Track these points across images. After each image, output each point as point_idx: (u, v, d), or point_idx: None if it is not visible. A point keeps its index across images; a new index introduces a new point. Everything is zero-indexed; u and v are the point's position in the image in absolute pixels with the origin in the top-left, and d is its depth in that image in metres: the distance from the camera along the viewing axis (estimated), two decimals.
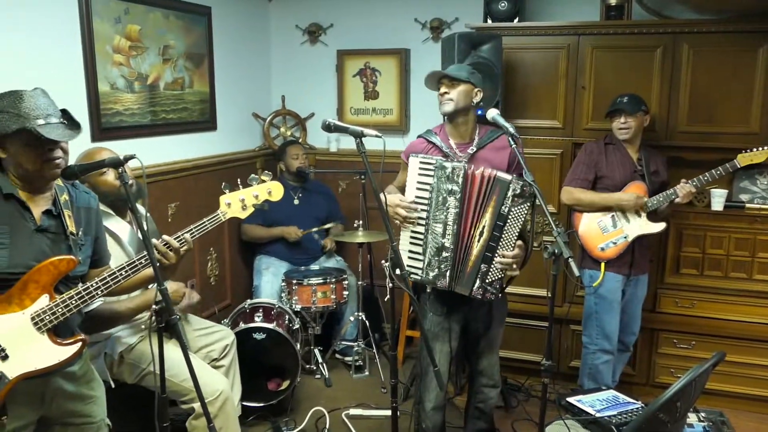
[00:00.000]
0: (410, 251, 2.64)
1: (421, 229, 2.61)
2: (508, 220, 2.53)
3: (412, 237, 2.64)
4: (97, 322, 2.53)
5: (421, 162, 2.60)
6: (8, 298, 1.84)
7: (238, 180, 2.27)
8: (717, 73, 3.37)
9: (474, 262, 2.58)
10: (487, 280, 2.58)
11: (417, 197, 2.61)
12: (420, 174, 2.60)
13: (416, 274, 2.64)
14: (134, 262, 2.01)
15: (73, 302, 1.91)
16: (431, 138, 2.71)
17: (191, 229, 2.17)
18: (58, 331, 1.92)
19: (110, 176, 2.57)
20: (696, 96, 3.42)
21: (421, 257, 2.62)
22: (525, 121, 3.66)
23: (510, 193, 2.49)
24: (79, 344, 1.95)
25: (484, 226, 2.55)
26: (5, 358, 1.84)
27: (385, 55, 4.49)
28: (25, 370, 1.86)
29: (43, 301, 1.88)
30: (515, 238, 2.55)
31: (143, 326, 2.72)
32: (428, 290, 2.70)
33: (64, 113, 1.93)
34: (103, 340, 2.66)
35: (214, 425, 1.99)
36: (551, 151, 3.68)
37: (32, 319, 1.86)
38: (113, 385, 2.65)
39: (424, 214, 2.60)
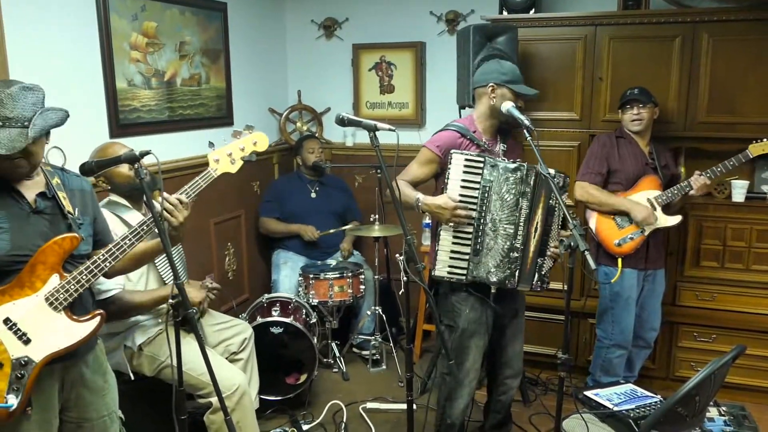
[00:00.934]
0: (454, 251, 2.59)
1: (470, 228, 2.58)
2: (555, 213, 2.61)
3: (457, 237, 2.59)
4: (115, 310, 2.58)
5: (467, 159, 2.55)
6: (19, 282, 1.86)
7: (223, 138, 2.30)
8: (737, 62, 3.32)
9: (532, 257, 2.63)
10: (542, 272, 2.66)
11: (462, 195, 2.56)
12: (466, 171, 2.55)
13: (460, 275, 2.61)
14: (136, 229, 2.01)
15: (84, 277, 1.92)
16: (465, 132, 2.67)
17: (185, 189, 2.16)
18: (74, 310, 1.94)
19: (124, 168, 2.61)
20: (716, 86, 3.37)
21: (466, 257, 2.59)
22: (541, 114, 3.63)
23: (554, 187, 2.51)
24: (98, 319, 1.97)
25: (537, 222, 2.60)
26: (28, 341, 1.85)
27: (401, 48, 4.47)
28: (50, 351, 1.87)
29: (54, 281, 1.89)
30: (559, 228, 2.64)
31: (161, 319, 2.76)
32: (465, 288, 2.66)
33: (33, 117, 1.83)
34: (123, 331, 2.70)
35: (231, 419, 2.01)
36: (568, 144, 3.64)
37: (47, 299, 1.88)
38: (133, 378, 2.69)
39: (473, 214, 2.57)
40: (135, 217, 2.68)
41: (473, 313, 2.68)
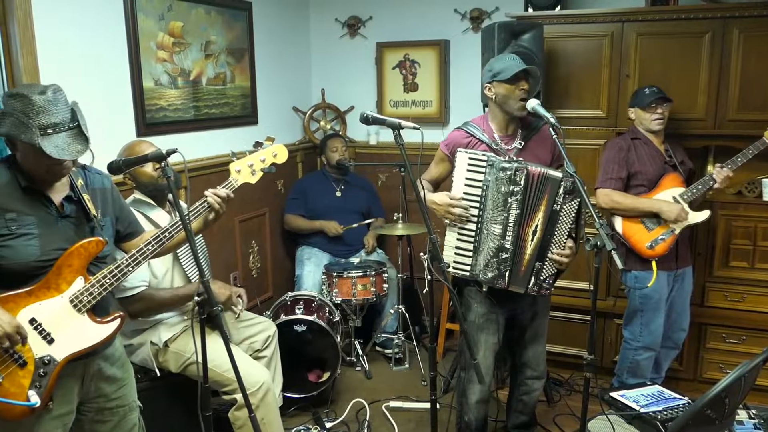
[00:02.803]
0: (458, 248, 2.61)
1: (472, 226, 2.59)
2: (560, 218, 2.54)
3: (460, 234, 2.61)
4: (142, 307, 2.62)
5: (470, 158, 2.55)
6: (46, 283, 1.90)
7: (245, 141, 2.36)
8: None
9: (528, 261, 2.58)
10: (541, 277, 2.60)
11: (465, 193, 2.57)
12: (469, 170, 2.56)
13: (464, 271, 2.62)
14: (159, 236, 2.05)
15: (107, 281, 1.96)
16: (475, 132, 2.67)
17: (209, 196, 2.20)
18: (96, 311, 1.99)
19: (148, 167, 2.66)
20: (746, 83, 3.30)
21: (469, 254, 2.60)
22: (567, 111, 3.60)
23: (561, 191, 2.48)
24: (119, 320, 2.02)
25: (537, 225, 2.56)
26: (51, 341, 1.90)
27: (425, 46, 4.46)
28: (72, 351, 1.92)
29: (79, 283, 1.93)
30: (566, 234, 2.57)
31: (186, 316, 2.78)
32: (474, 284, 2.68)
33: (74, 115, 1.87)
34: (149, 327, 2.73)
35: (255, 416, 2.02)
36: (594, 142, 3.60)
37: (71, 301, 1.92)
38: (158, 374, 2.73)
39: (474, 211, 2.57)
40: (160, 214, 2.71)
41: (482, 308, 2.69)
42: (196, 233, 2.31)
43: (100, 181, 2.11)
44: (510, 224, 2.54)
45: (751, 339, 3.48)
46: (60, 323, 1.91)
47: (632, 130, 3.25)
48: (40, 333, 1.88)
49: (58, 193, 1.96)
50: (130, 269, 1.99)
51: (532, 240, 2.56)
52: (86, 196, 2.00)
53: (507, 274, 2.58)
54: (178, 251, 2.72)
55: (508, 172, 2.51)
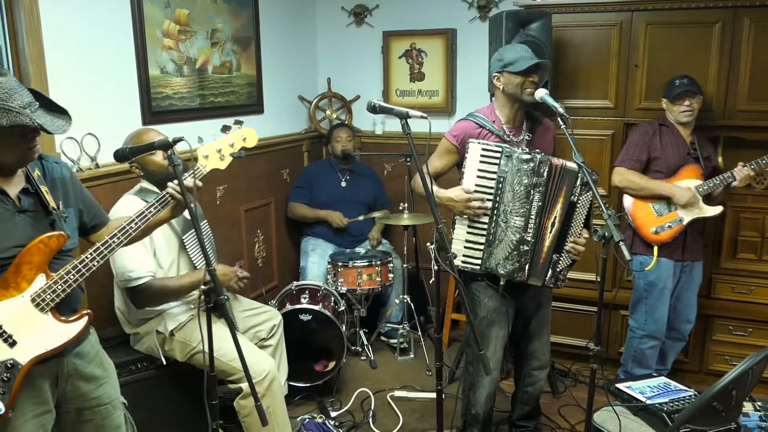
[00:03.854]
0: (468, 241, 2.59)
1: (485, 219, 2.56)
2: (577, 209, 2.55)
3: (472, 227, 2.58)
4: (148, 297, 2.61)
5: (483, 149, 2.52)
6: (3, 283, 1.79)
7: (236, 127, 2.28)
8: None
9: (546, 252, 2.58)
10: (558, 269, 2.60)
11: (478, 185, 2.54)
12: (482, 161, 2.52)
13: (475, 265, 2.60)
14: (125, 227, 1.96)
15: (72, 277, 1.85)
16: (483, 122, 2.64)
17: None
18: (61, 310, 1.88)
19: (158, 156, 2.60)
20: (757, 73, 3.26)
21: (480, 247, 2.58)
22: (575, 101, 3.57)
23: (579, 182, 2.47)
24: (85, 319, 1.92)
25: (555, 217, 2.56)
26: (13, 344, 1.79)
27: (431, 35, 4.43)
28: (37, 353, 1.82)
29: (41, 281, 1.83)
30: (582, 225, 2.58)
31: (192, 305, 2.79)
32: (482, 278, 2.66)
33: (37, 95, 1.81)
34: (155, 316, 2.74)
35: (261, 404, 2.02)
36: (602, 132, 3.58)
37: (33, 300, 1.82)
38: (164, 362, 2.73)
39: (488, 204, 2.55)
40: None
41: (492, 303, 2.67)
42: (162, 221, 2.22)
43: (59, 170, 1.99)
44: (532, 216, 2.53)
45: (758, 331, 3.47)
46: (22, 324, 1.80)
47: (662, 118, 3.23)
48: (0, 335, 1.78)
49: (14, 186, 1.84)
50: (95, 263, 1.88)
51: (550, 232, 2.56)
52: (44, 188, 1.89)
53: (527, 266, 2.57)
54: (184, 238, 2.72)
55: (531, 164, 2.49)
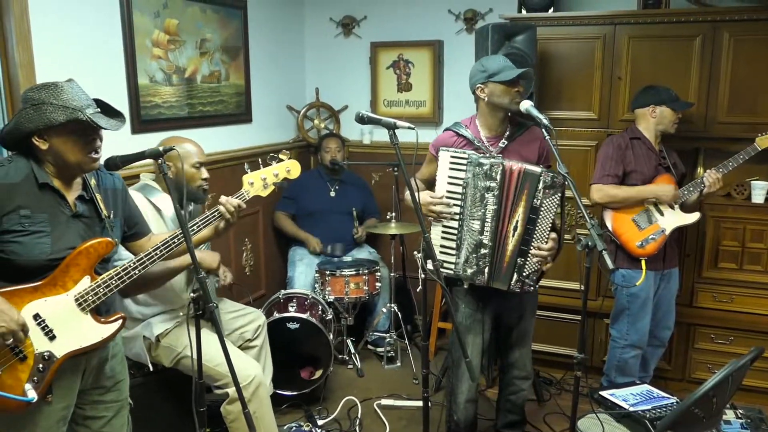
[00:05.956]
0: (442, 245, 2.64)
1: (455, 224, 2.61)
2: (541, 213, 2.53)
3: (444, 232, 2.64)
4: (131, 285, 2.61)
5: (452, 156, 2.58)
6: (52, 281, 1.91)
7: (258, 160, 2.37)
8: (759, 62, 3.29)
9: (510, 256, 2.58)
10: (524, 274, 2.60)
11: (448, 191, 2.60)
12: (451, 168, 2.58)
13: (449, 269, 2.64)
14: (168, 241, 2.07)
15: (113, 282, 1.98)
16: (461, 131, 2.69)
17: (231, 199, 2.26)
18: (99, 311, 2.00)
19: (197, 170, 2.78)
20: (737, 86, 3.34)
21: (453, 252, 2.63)
22: (559, 113, 3.63)
23: (541, 185, 2.49)
24: (120, 321, 2.04)
25: (517, 220, 2.56)
26: (53, 338, 1.91)
27: (419, 47, 4.48)
28: (72, 348, 1.94)
29: (86, 282, 1.95)
30: (549, 229, 2.56)
31: (181, 312, 2.79)
32: (460, 283, 2.70)
33: (98, 102, 1.97)
34: (143, 322, 2.75)
35: (249, 410, 2.03)
36: (586, 143, 3.63)
37: (76, 299, 1.93)
38: (151, 369, 2.73)
39: (456, 209, 2.60)
40: (164, 199, 2.72)
41: (468, 308, 2.71)
42: (205, 241, 2.38)
43: (111, 182, 2.13)
44: (487, 219, 2.56)
45: (739, 339, 3.52)
46: (63, 321, 1.92)
47: (631, 130, 3.26)
48: (42, 329, 1.90)
49: (72, 192, 1.98)
50: (136, 272, 2.01)
51: (513, 235, 2.57)
52: (99, 197, 2.03)
53: (486, 270, 2.59)
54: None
55: (485, 167, 2.53)
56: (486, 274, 2.60)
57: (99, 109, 1.93)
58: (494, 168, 2.52)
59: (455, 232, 2.61)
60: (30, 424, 1.92)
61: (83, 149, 1.91)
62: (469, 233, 2.58)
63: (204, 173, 2.82)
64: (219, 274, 3.00)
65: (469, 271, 2.61)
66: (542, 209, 2.53)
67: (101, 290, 1.96)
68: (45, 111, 1.84)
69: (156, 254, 2.05)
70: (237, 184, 2.30)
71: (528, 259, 2.58)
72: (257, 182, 2.29)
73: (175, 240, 2.08)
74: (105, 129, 1.90)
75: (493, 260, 2.59)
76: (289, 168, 2.33)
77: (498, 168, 2.52)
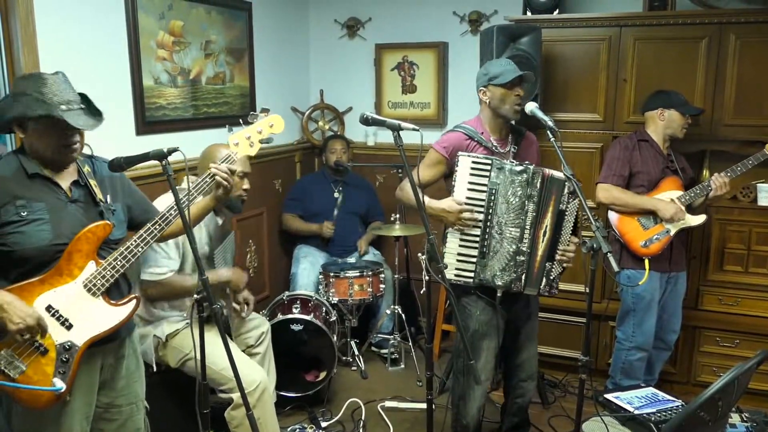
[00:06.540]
0: (461, 254, 2.60)
1: (477, 231, 2.57)
2: (566, 217, 2.58)
3: (464, 240, 2.59)
4: (165, 291, 2.71)
5: (473, 161, 2.55)
6: (58, 270, 1.93)
7: (240, 120, 2.34)
8: (765, 64, 3.28)
9: (540, 261, 2.61)
10: (551, 277, 2.63)
11: (469, 198, 2.56)
12: (473, 174, 2.55)
13: (468, 278, 2.61)
14: (164, 214, 2.07)
15: (119, 263, 1.99)
16: (472, 134, 2.67)
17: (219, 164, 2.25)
18: (111, 295, 2.02)
19: (245, 183, 2.85)
20: (743, 88, 3.33)
21: (473, 260, 2.59)
22: (564, 115, 3.62)
23: (566, 191, 2.51)
24: (134, 302, 2.05)
25: (546, 226, 2.58)
26: (70, 327, 1.93)
27: (423, 48, 4.48)
28: (91, 334, 1.96)
29: (91, 267, 1.97)
30: (570, 233, 2.62)
31: (186, 313, 2.80)
32: (471, 291, 2.67)
33: (84, 98, 1.99)
34: (154, 321, 2.77)
35: (252, 413, 2.03)
36: (591, 145, 3.62)
37: (85, 285, 1.95)
38: (155, 369, 2.74)
39: (480, 216, 2.57)
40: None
41: (484, 315, 2.68)
42: (208, 210, 2.38)
43: (107, 169, 2.14)
44: (527, 227, 2.56)
45: (745, 343, 3.50)
46: (76, 308, 1.94)
47: (640, 132, 3.27)
48: (57, 319, 1.92)
49: (66, 179, 2.01)
50: (140, 249, 2.02)
51: (542, 241, 2.59)
52: (93, 182, 2.05)
53: (524, 277, 2.60)
54: (214, 254, 2.83)
55: (525, 176, 2.52)
56: (522, 281, 2.61)
57: (82, 105, 1.94)
58: (536, 176, 2.53)
59: (477, 239, 2.58)
60: (54, 425, 1.94)
61: (58, 143, 1.93)
62: (505, 241, 2.56)
63: (246, 184, 2.84)
64: (239, 297, 2.96)
65: (507, 278, 2.59)
66: (567, 214, 2.58)
67: (108, 272, 1.97)
68: (23, 102, 1.86)
69: (156, 228, 2.05)
70: None
71: (554, 263, 2.62)
72: (243, 142, 2.24)
73: (171, 212, 2.07)
74: (77, 128, 1.91)
75: (530, 267, 2.60)
76: (272, 123, 2.29)
77: (538, 176, 2.53)
